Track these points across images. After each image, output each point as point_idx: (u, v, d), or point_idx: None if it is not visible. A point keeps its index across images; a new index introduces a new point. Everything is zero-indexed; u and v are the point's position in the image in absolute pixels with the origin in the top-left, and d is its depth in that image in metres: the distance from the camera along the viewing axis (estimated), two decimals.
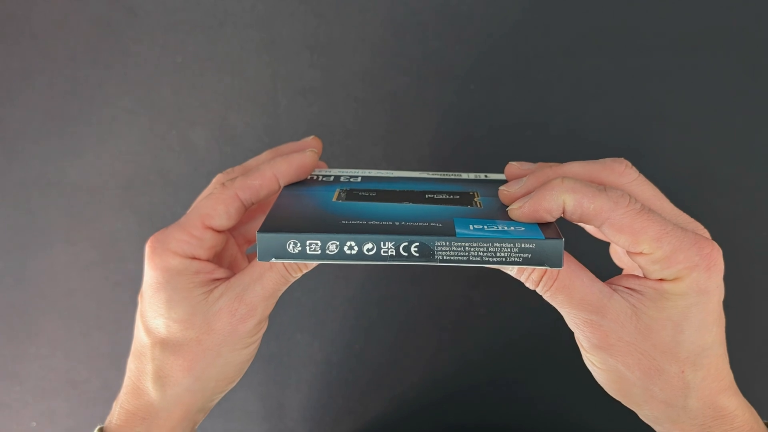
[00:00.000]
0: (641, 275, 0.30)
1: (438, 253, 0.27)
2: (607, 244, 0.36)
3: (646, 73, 0.46)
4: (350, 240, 0.27)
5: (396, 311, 0.51)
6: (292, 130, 0.49)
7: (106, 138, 0.50)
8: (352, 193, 0.33)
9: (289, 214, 0.30)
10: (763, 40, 0.45)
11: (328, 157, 0.48)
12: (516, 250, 0.27)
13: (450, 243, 0.27)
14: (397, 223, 0.28)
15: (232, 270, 0.34)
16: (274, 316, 0.37)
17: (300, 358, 0.52)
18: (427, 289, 0.51)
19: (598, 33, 0.46)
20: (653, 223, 0.27)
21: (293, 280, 0.32)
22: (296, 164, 0.33)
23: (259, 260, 0.28)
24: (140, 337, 0.33)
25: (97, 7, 0.48)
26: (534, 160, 0.33)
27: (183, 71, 0.48)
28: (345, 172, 0.37)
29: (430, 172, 0.37)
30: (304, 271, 0.31)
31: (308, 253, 0.27)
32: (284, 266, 0.31)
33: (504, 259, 0.27)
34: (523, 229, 0.28)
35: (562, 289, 0.29)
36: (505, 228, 0.28)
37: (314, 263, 0.31)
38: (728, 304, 0.30)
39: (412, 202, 0.31)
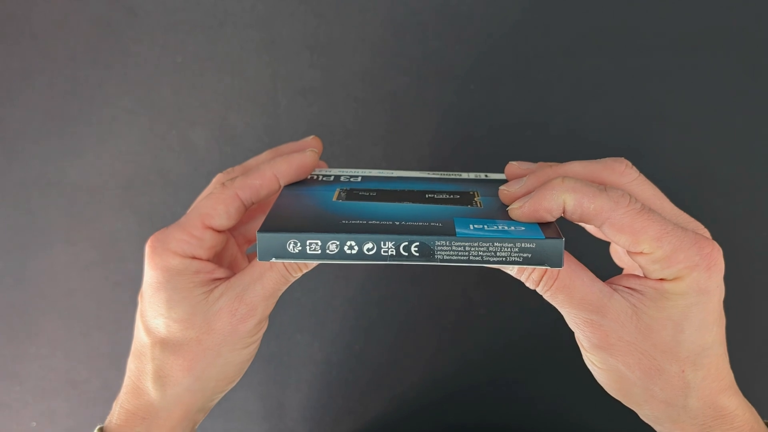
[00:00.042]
0: (641, 275, 0.30)
1: (438, 252, 0.27)
2: (607, 244, 0.36)
3: (646, 73, 0.46)
4: (350, 240, 0.27)
5: (396, 311, 0.51)
6: (292, 130, 0.49)
7: (106, 138, 0.50)
8: (353, 192, 0.33)
9: (290, 213, 0.30)
10: (763, 40, 0.45)
11: (328, 157, 0.48)
12: (516, 249, 0.27)
13: (450, 243, 0.27)
14: (398, 223, 0.28)
15: (233, 270, 0.34)
16: (274, 316, 0.37)
17: (300, 358, 0.52)
18: (427, 289, 0.51)
19: (598, 33, 0.46)
20: (653, 223, 0.27)
21: (293, 280, 0.32)
22: (296, 164, 0.33)
23: (260, 260, 0.28)
24: (140, 336, 0.33)
25: (97, 7, 0.48)
26: (534, 160, 0.33)
27: (183, 71, 0.48)
28: (345, 172, 0.37)
29: (430, 172, 0.37)
30: (305, 271, 0.31)
31: (308, 252, 0.27)
32: (284, 266, 0.31)
33: (504, 258, 0.27)
34: (523, 228, 0.28)
35: (562, 288, 0.29)
36: (506, 228, 0.28)
37: (314, 263, 0.31)
38: (728, 304, 0.30)
39: (412, 202, 0.31)
